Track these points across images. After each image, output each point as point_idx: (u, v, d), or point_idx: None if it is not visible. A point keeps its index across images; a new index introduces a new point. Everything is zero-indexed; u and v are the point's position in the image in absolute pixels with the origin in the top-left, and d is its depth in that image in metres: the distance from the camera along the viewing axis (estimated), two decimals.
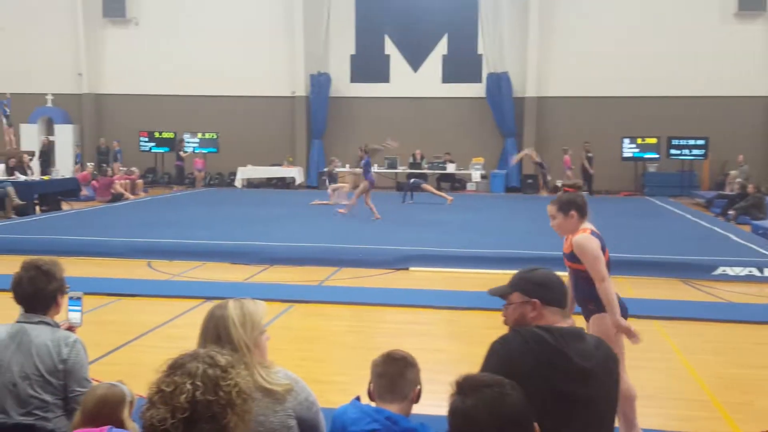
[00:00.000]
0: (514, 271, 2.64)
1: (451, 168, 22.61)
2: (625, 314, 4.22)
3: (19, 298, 3.22)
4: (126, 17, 24.20)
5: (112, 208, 16.90)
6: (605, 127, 22.20)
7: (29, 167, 19.10)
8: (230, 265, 10.25)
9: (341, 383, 5.32)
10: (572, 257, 4.24)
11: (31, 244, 10.58)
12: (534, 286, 2.53)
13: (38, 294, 3.21)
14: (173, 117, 23.83)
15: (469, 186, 22.76)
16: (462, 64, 23.57)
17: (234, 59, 23.50)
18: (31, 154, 20.90)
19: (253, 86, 23.66)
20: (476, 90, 23.30)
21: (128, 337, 6.59)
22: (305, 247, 10.99)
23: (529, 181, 22.59)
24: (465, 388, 1.87)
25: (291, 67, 23.71)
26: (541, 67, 22.82)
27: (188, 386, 1.82)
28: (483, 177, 22.56)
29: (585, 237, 4.16)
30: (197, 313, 7.38)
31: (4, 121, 21.33)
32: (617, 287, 4.17)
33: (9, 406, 3.07)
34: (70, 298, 3.48)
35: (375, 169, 22.42)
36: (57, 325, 3.26)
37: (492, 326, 7.59)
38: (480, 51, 23.53)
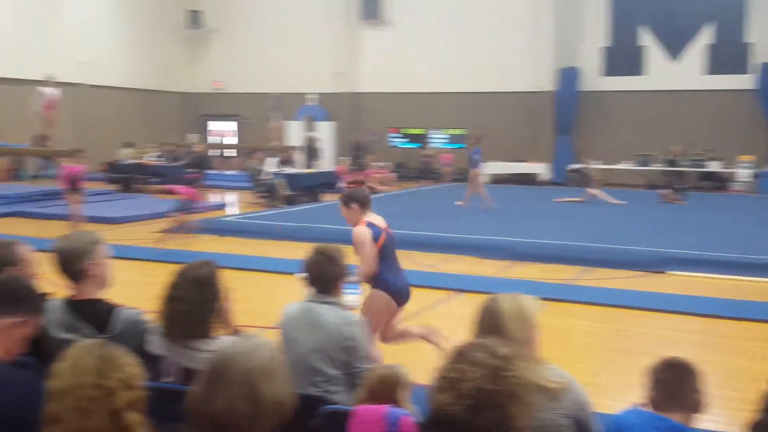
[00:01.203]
0: None
1: (712, 166, 20.94)
2: (404, 297, 5.07)
3: (310, 280, 3.57)
4: (381, 19, 25.47)
5: None
6: None
7: (295, 161, 20.92)
8: (476, 259, 10.36)
9: (597, 386, 5.18)
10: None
11: (301, 233, 11.61)
12: None
13: (323, 277, 3.54)
14: (422, 113, 24.67)
15: (734, 186, 20.92)
16: (726, 54, 21.69)
17: (482, 56, 23.73)
18: (301, 149, 22.85)
19: (500, 82, 23.70)
20: (742, 81, 21.31)
21: None
22: (552, 244, 10.85)
23: None
24: None
25: (538, 62, 23.40)
26: None
27: (472, 374, 1.86)
28: (756, 176, 20.58)
29: (358, 228, 4.81)
30: (452, 303, 7.66)
31: (276, 117, 23.53)
32: None
33: (299, 378, 3.39)
34: (348, 282, 3.80)
35: (622, 165, 21.54)
36: (341, 306, 3.56)
37: (752, 337, 7.01)
38: (748, 39, 21.50)
